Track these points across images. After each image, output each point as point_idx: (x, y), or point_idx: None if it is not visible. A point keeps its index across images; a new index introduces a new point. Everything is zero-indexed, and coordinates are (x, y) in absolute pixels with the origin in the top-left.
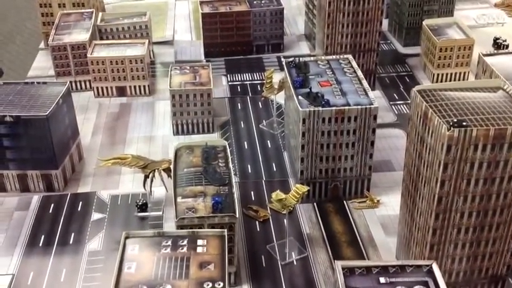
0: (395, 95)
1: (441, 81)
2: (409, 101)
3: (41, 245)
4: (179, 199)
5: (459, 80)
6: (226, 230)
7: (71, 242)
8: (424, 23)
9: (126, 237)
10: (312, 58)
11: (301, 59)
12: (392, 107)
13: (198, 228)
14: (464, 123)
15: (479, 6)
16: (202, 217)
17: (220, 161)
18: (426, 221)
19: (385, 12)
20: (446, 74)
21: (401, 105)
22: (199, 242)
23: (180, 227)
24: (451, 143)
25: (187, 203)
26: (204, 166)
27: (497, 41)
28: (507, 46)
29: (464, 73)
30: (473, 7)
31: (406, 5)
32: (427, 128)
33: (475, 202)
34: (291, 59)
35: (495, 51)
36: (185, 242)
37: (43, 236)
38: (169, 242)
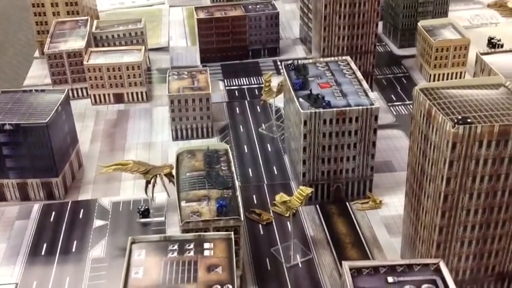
0: (392, 96)
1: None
2: (407, 102)
3: (43, 253)
4: (183, 203)
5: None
6: (232, 232)
7: (73, 249)
8: (419, 24)
9: (132, 242)
10: (310, 60)
11: (299, 61)
12: (391, 108)
13: (204, 232)
14: (468, 120)
15: (472, 7)
16: (207, 220)
17: (222, 164)
18: (432, 219)
19: (380, 14)
20: (443, 74)
21: (400, 106)
22: (206, 245)
23: (185, 231)
24: (456, 140)
25: (192, 207)
26: (207, 170)
27: (492, 40)
28: (502, 45)
29: (461, 73)
30: (466, 8)
31: (400, 7)
32: (431, 126)
33: (480, 199)
34: (289, 62)
35: (491, 50)
36: (192, 245)
37: (45, 245)
38: (176, 246)
